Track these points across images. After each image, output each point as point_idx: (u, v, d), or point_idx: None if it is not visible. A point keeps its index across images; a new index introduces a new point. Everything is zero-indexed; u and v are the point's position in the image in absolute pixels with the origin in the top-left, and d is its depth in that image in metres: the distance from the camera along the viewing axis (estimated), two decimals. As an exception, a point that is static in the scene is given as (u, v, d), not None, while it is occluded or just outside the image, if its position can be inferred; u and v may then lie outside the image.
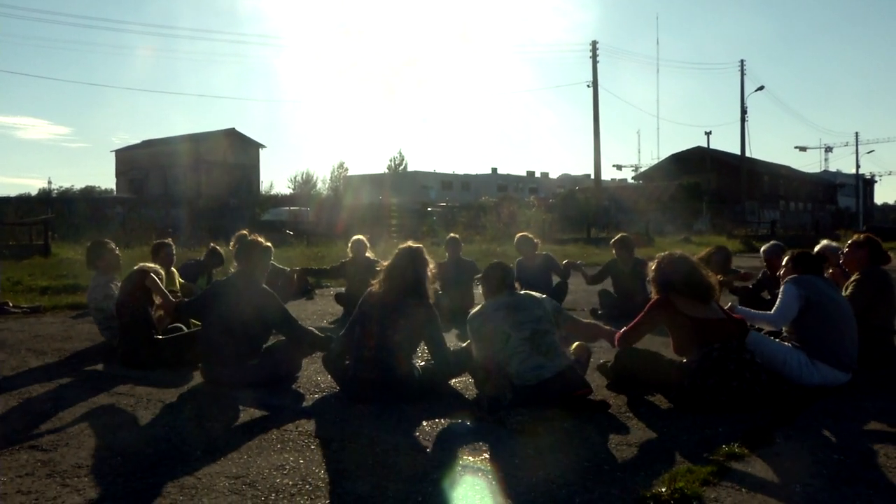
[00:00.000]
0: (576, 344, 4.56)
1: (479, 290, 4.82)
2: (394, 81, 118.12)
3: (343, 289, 8.95)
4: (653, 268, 4.38)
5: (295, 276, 8.46)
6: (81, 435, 3.64)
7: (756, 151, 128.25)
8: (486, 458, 3.24)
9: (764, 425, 3.67)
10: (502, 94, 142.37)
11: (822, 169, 77.17)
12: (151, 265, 5.62)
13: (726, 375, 3.94)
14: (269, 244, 4.97)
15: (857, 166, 68.65)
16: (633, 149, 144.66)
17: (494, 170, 73.09)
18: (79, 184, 76.44)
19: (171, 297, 5.35)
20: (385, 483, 2.93)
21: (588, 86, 37.89)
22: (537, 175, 76.40)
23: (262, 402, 4.22)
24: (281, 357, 4.77)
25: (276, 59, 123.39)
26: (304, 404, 4.26)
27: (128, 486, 2.92)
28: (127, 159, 56.76)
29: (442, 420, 3.87)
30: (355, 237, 8.62)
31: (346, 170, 73.72)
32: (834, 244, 6.15)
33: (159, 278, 5.41)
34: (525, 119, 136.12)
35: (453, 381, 4.61)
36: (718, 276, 4.90)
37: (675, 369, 4.10)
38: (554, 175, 78.20)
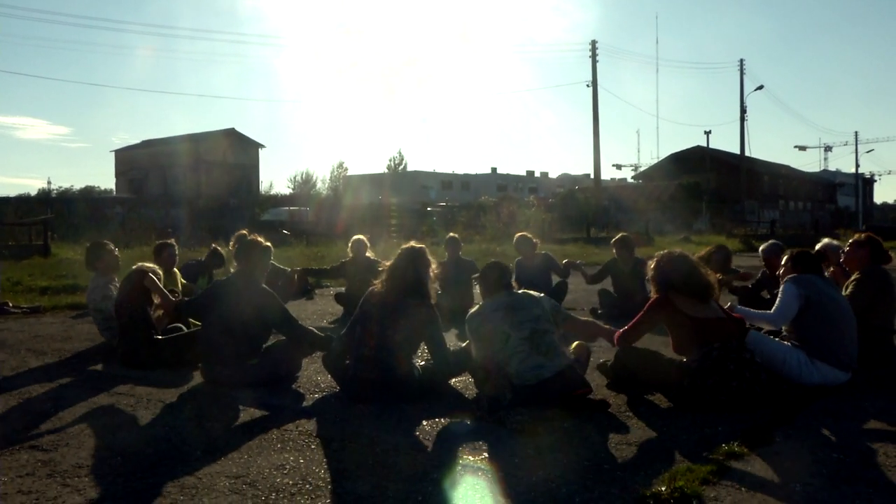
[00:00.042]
0: (575, 343, 4.56)
1: (478, 290, 4.81)
2: (393, 81, 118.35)
3: (343, 289, 8.95)
4: (652, 266, 4.37)
5: (296, 277, 8.46)
6: (82, 435, 3.64)
7: (755, 151, 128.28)
8: (485, 457, 3.24)
9: (764, 424, 3.68)
10: (502, 93, 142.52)
11: (822, 168, 77.23)
12: (150, 265, 5.61)
13: (726, 375, 3.94)
14: (268, 244, 4.97)
15: (857, 165, 68.83)
16: (632, 148, 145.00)
17: (494, 169, 73.10)
18: (78, 184, 76.63)
19: (170, 297, 5.35)
20: (385, 483, 2.93)
21: (587, 85, 37.98)
22: (537, 175, 76.41)
23: (262, 402, 4.22)
24: (281, 357, 4.77)
25: (276, 59, 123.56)
26: (305, 404, 4.26)
27: (128, 485, 2.93)
28: (126, 159, 56.75)
29: (442, 420, 3.87)
30: (356, 237, 8.62)
31: (346, 170, 73.85)
32: (835, 242, 6.15)
33: (158, 278, 5.41)
34: (525, 119, 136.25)
35: (453, 380, 4.62)
36: (718, 275, 4.90)
37: (674, 368, 4.10)
38: (553, 175, 78.30)
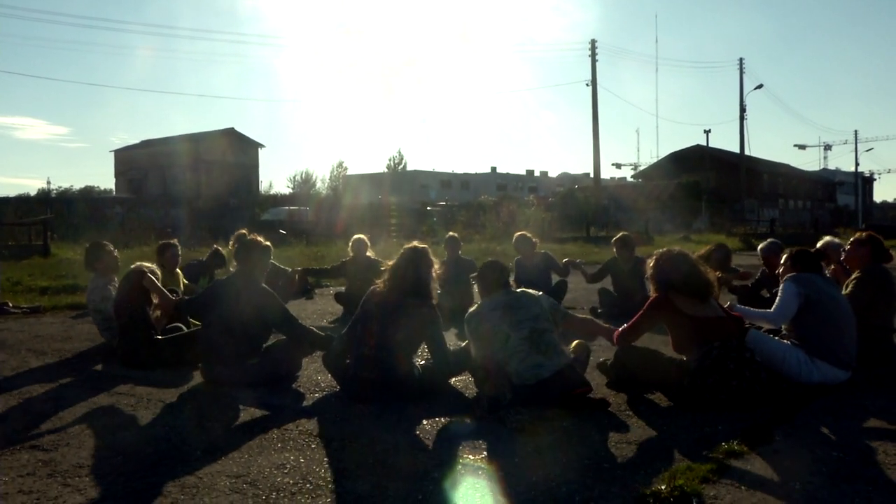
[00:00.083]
0: (575, 342, 4.56)
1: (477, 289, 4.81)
2: (393, 81, 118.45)
3: (343, 288, 8.95)
4: (651, 265, 4.37)
5: (296, 277, 8.46)
6: (82, 435, 3.64)
7: (755, 150, 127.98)
8: (486, 456, 3.25)
9: (763, 423, 3.68)
10: (501, 93, 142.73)
11: (822, 167, 77.18)
12: (148, 265, 5.60)
13: (726, 374, 3.94)
14: (268, 243, 4.97)
15: (857, 164, 68.83)
16: (632, 147, 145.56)
17: (494, 169, 73.02)
18: (78, 184, 76.59)
19: (169, 296, 5.35)
20: (385, 482, 2.94)
21: (587, 85, 37.99)
22: (536, 174, 76.32)
23: (262, 402, 4.22)
24: (281, 356, 4.77)
25: (276, 59, 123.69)
26: (305, 403, 4.26)
27: (128, 485, 2.93)
28: (126, 159, 56.73)
29: (442, 419, 3.87)
30: (356, 236, 8.61)
31: (346, 169, 73.86)
32: (836, 241, 6.15)
33: (156, 278, 5.41)
34: (524, 118, 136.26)
35: (453, 380, 4.62)
36: (717, 274, 4.90)
37: (674, 367, 4.10)
38: (553, 174, 78.15)
